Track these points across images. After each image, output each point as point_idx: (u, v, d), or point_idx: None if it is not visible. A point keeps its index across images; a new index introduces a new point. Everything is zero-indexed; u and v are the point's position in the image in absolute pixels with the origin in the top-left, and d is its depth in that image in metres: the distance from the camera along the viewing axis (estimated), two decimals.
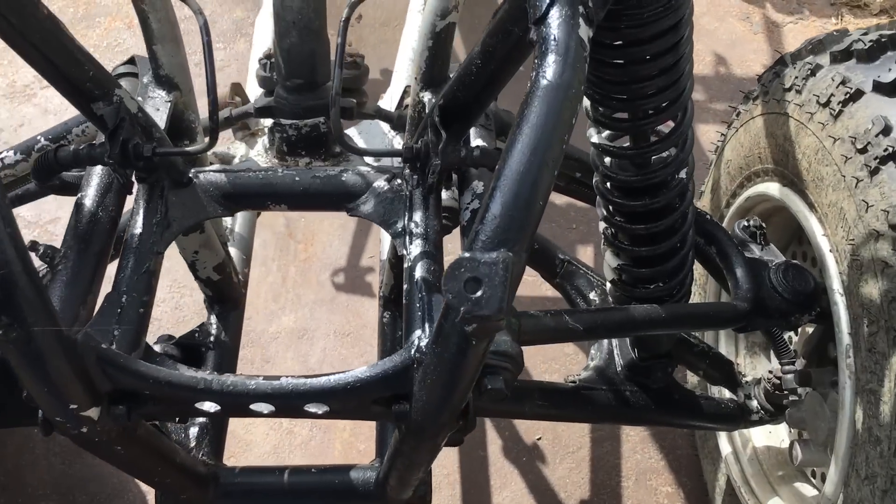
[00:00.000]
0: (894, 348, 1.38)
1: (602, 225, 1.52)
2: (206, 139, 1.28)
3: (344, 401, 1.09)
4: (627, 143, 1.40)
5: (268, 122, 1.60)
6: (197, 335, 1.61)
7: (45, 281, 1.18)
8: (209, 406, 1.10)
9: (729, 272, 1.68)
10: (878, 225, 1.43)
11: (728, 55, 3.40)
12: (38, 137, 1.65)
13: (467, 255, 0.84)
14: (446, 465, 2.38)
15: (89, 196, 1.30)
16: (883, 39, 1.62)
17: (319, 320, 2.64)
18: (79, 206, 1.30)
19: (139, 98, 1.39)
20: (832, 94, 1.61)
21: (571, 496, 2.34)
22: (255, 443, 2.41)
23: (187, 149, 1.23)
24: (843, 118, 1.57)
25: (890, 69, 1.55)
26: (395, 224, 1.33)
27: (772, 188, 1.85)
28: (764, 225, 1.85)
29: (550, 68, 1.00)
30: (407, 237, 1.31)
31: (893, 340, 1.38)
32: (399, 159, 1.37)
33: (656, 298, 1.58)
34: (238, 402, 1.10)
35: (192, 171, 1.38)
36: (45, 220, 2.81)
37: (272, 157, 1.44)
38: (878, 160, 1.46)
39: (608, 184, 1.42)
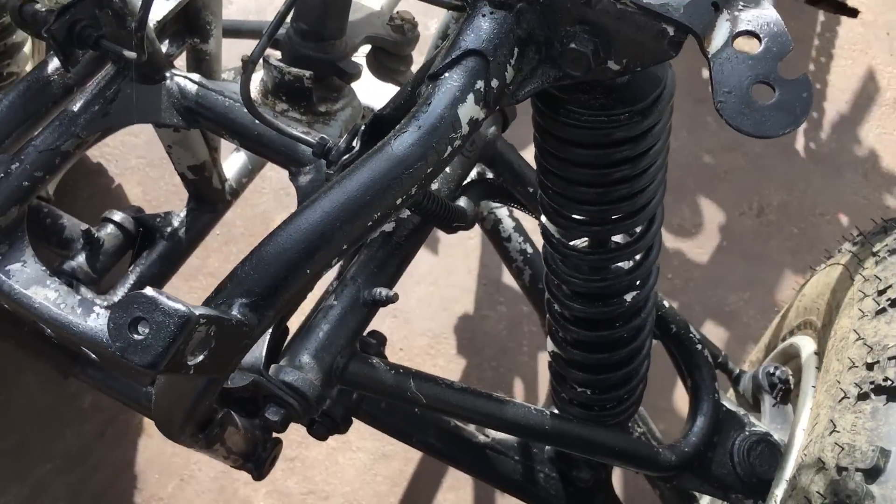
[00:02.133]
0: None
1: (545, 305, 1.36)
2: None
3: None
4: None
5: None
6: (159, 220, 1.60)
7: None
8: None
9: (692, 413, 1.48)
10: (828, 456, 1.18)
11: None
12: None
13: (150, 292, 0.75)
14: None
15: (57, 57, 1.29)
16: None
17: None
18: (44, 62, 1.30)
19: None
20: (891, 286, 1.33)
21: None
22: None
23: (123, 52, 1.19)
24: (882, 319, 1.29)
25: None
26: None
27: (808, 347, 1.58)
28: (791, 381, 1.61)
29: (402, 134, 0.87)
30: None
31: None
32: None
33: (583, 405, 1.41)
34: (21, 316, 1.08)
35: (171, 72, 1.34)
36: None
37: (259, 89, 1.37)
38: (872, 386, 1.20)
39: (550, 273, 1.26)
